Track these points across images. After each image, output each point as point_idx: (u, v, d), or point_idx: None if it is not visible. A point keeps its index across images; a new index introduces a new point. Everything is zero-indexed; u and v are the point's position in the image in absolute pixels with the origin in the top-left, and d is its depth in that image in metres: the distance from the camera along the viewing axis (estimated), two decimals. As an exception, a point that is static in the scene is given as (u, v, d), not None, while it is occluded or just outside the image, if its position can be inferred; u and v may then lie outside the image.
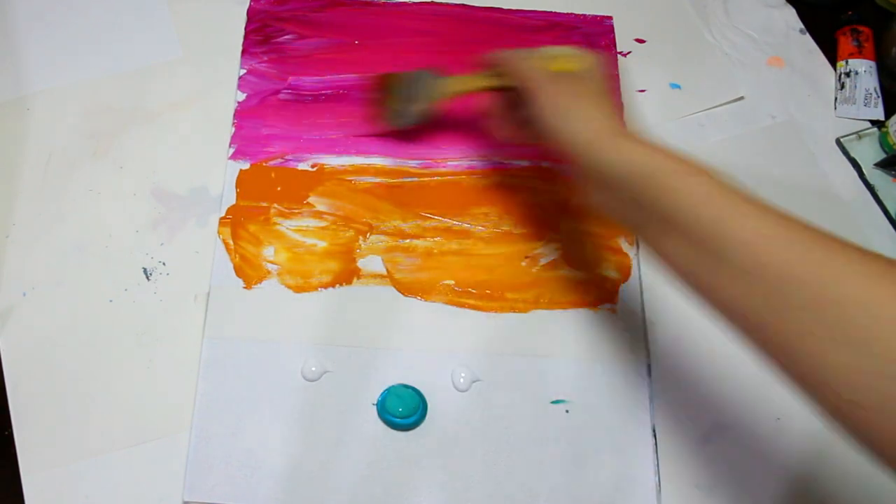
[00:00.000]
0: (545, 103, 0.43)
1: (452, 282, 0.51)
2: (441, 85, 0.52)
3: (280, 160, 0.54)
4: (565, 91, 0.43)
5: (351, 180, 0.54)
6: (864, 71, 0.62)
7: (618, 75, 0.60)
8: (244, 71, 0.58)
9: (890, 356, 0.27)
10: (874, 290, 0.28)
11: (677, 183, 0.36)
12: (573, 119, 0.41)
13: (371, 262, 0.52)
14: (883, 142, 0.59)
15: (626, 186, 0.38)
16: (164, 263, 0.51)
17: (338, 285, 0.51)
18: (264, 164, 0.54)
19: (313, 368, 0.48)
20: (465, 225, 0.53)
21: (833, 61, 0.63)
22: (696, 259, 0.35)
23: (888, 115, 0.60)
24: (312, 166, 0.55)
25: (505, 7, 0.62)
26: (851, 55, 0.62)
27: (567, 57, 0.47)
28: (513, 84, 0.46)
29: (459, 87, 0.51)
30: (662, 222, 0.36)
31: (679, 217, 0.35)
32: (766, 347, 0.33)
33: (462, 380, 0.48)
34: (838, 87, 0.62)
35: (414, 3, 0.61)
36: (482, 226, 0.53)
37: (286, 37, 0.59)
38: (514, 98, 0.47)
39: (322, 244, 0.52)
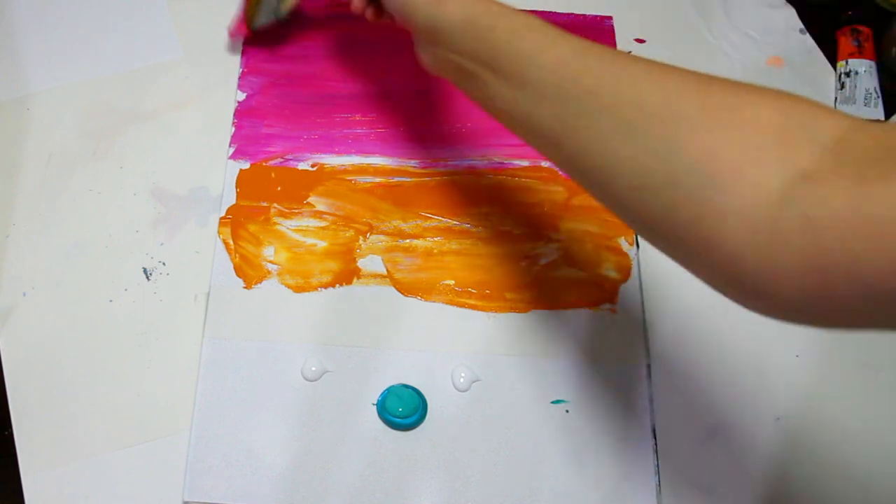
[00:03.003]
0: None
1: (452, 282, 0.51)
2: None
3: (280, 160, 0.54)
4: None
5: (351, 180, 0.54)
6: (864, 71, 0.62)
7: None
8: (244, 71, 0.58)
9: (659, 138, 0.30)
10: (648, 88, 0.32)
11: (499, 23, 0.38)
12: None
13: (371, 262, 0.52)
14: (883, 142, 0.59)
15: (455, 36, 0.39)
16: (164, 263, 0.51)
17: (338, 285, 0.51)
18: (264, 164, 0.54)
19: (313, 368, 0.48)
20: (465, 225, 0.53)
21: (833, 61, 0.63)
22: (514, 93, 0.37)
23: (888, 115, 0.60)
24: (312, 166, 0.55)
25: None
26: (851, 55, 0.62)
27: None
28: None
29: None
30: (480, 63, 0.38)
31: (495, 53, 0.38)
32: (568, 159, 0.36)
33: (462, 380, 0.48)
34: (838, 87, 0.62)
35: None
36: (482, 226, 0.53)
37: (286, 37, 0.59)
38: None
39: (322, 244, 0.52)
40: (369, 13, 0.51)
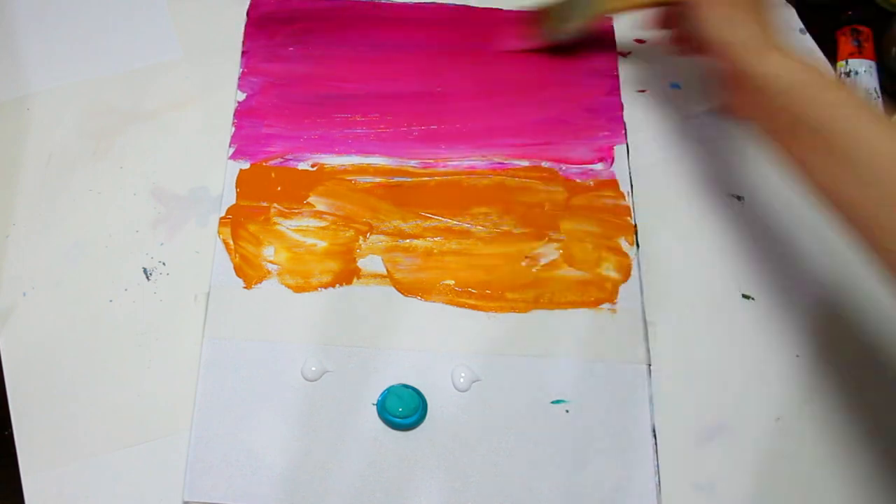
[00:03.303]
0: (706, 14, 0.46)
1: (452, 282, 0.51)
2: (601, 1, 0.56)
3: (280, 160, 0.54)
4: (723, 2, 0.46)
5: (351, 180, 0.54)
6: (864, 71, 0.61)
7: (618, 75, 0.60)
8: (244, 71, 0.58)
9: None
10: None
11: (816, 94, 0.40)
12: (728, 28, 0.45)
13: (371, 262, 0.52)
14: (883, 142, 0.59)
15: (775, 97, 0.42)
16: (164, 263, 0.51)
17: (338, 285, 0.51)
18: (264, 164, 0.54)
19: (313, 368, 0.48)
20: (465, 225, 0.53)
21: (833, 61, 0.63)
22: (826, 166, 0.39)
23: (888, 115, 0.60)
24: (312, 166, 0.55)
25: (505, 8, 0.62)
26: (851, 55, 0.62)
27: None
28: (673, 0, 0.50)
29: (621, 3, 0.55)
30: (798, 131, 0.41)
31: (813, 125, 0.40)
32: (879, 246, 0.38)
33: (462, 380, 0.48)
34: (838, 87, 0.62)
35: (415, 3, 0.61)
36: (482, 226, 0.53)
37: (286, 37, 0.59)
38: (675, 13, 0.51)
39: (322, 244, 0.52)
40: (684, 49, 0.54)
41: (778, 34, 0.45)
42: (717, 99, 0.48)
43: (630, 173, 0.56)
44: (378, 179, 0.54)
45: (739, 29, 0.45)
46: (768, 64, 0.43)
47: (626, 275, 0.52)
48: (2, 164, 0.53)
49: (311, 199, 0.53)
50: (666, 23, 0.55)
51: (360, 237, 0.52)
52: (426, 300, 0.51)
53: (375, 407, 0.47)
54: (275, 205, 0.53)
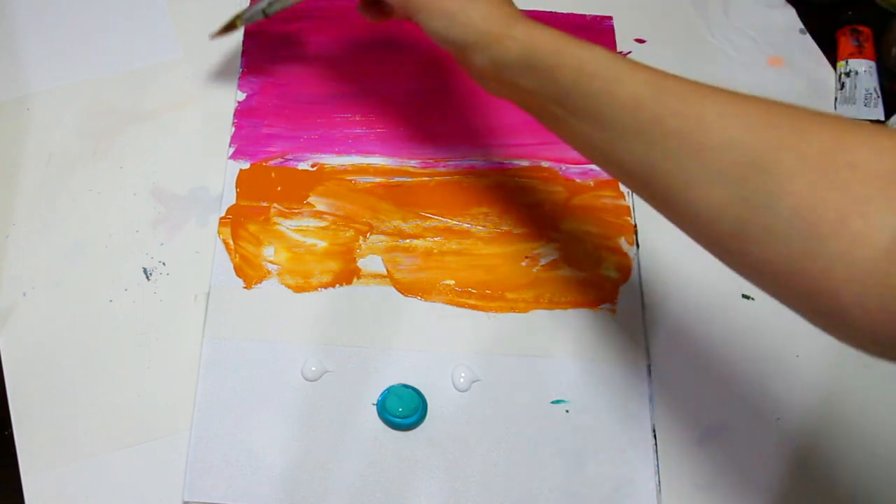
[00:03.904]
0: (427, 16, 0.42)
1: (452, 282, 0.51)
2: None
3: (280, 160, 0.54)
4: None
5: (351, 180, 0.54)
6: (864, 71, 0.62)
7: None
8: (244, 71, 0.58)
9: (754, 187, 0.30)
10: (739, 129, 0.31)
11: (563, 60, 0.37)
12: (464, 22, 0.40)
13: (371, 262, 0.52)
14: (883, 142, 0.59)
15: (523, 75, 0.38)
16: (164, 263, 0.51)
17: (338, 285, 0.51)
18: (264, 164, 0.54)
19: (313, 368, 0.48)
20: (465, 225, 0.53)
21: (833, 61, 0.63)
22: (590, 130, 0.36)
23: (888, 115, 0.60)
24: (312, 166, 0.55)
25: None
26: (851, 55, 0.62)
27: None
28: None
29: None
30: (553, 101, 0.37)
31: (566, 92, 0.36)
32: (658, 198, 0.35)
33: (462, 380, 0.48)
34: (838, 87, 0.62)
35: (414, 3, 0.61)
36: (482, 226, 0.53)
37: (286, 37, 0.59)
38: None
39: (322, 244, 0.52)
40: (371, 14, 0.49)
41: (514, 7, 0.41)
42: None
43: (630, 173, 0.56)
44: (378, 179, 0.54)
45: (472, 18, 0.40)
46: (510, 44, 0.38)
47: (626, 275, 0.52)
48: (2, 164, 0.53)
49: (311, 199, 0.53)
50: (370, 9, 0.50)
51: (360, 237, 0.52)
52: (426, 300, 0.51)
53: (375, 407, 0.47)
54: (275, 205, 0.53)
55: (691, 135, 0.32)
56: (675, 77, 0.34)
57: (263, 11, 0.53)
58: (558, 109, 0.37)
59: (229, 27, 0.55)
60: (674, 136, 0.32)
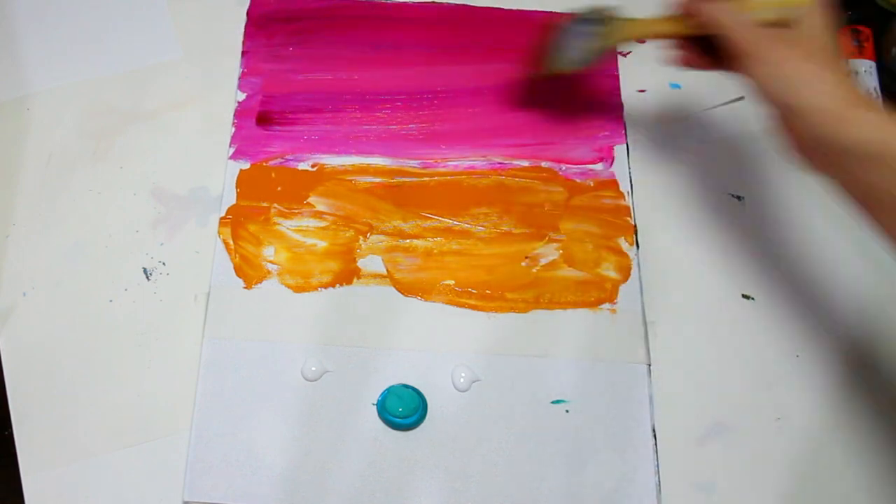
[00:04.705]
0: (767, 72, 0.39)
1: (452, 282, 0.51)
2: (624, 26, 0.49)
3: (280, 160, 0.54)
4: (788, 56, 0.39)
5: (351, 180, 0.54)
6: (864, 71, 0.61)
7: (618, 75, 0.60)
8: (244, 71, 0.58)
9: None
10: None
11: None
12: (804, 90, 0.38)
13: (371, 262, 0.52)
14: (883, 142, 0.59)
15: (864, 164, 0.36)
16: (164, 263, 0.51)
17: (338, 285, 0.51)
18: (264, 164, 0.54)
19: (313, 368, 0.48)
20: (465, 225, 0.53)
21: (833, 61, 0.63)
22: None
23: (888, 115, 0.60)
24: (312, 166, 0.55)
25: (506, 7, 0.62)
26: (851, 55, 0.62)
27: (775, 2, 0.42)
28: (711, 33, 0.43)
29: (644, 29, 0.48)
30: (889, 200, 0.36)
31: None
32: None
33: (462, 380, 0.48)
34: (838, 87, 0.62)
35: (415, 3, 0.61)
36: (482, 226, 0.53)
37: (286, 37, 0.59)
38: (708, 44, 0.44)
39: (322, 244, 0.52)
40: (703, 63, 0.46)
41: (857, 86, 0.38)
42: (785, 151, 0.41)
43: (630, 173, 0.56)
44: (378, 179, 0.54)
45: (816, 90, 0.38)
46: (851, 129, 0.36)
47: (626, 275, 0.52)
48: (2, 164, 0.53)
49: (312, 199, 0.53)
50: (698, 52, 0.46)
51: (361, 237, 0.52)
52: (426, 300, 0.51)
53: (375, 407, 0.47)
54: (275, 205, 0.53)
55: None
56: None
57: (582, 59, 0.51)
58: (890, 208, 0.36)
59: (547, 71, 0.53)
60: None
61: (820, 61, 0.39)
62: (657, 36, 0.48)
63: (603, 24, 0.50)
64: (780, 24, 0.41)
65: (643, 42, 0.61)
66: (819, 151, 0.39)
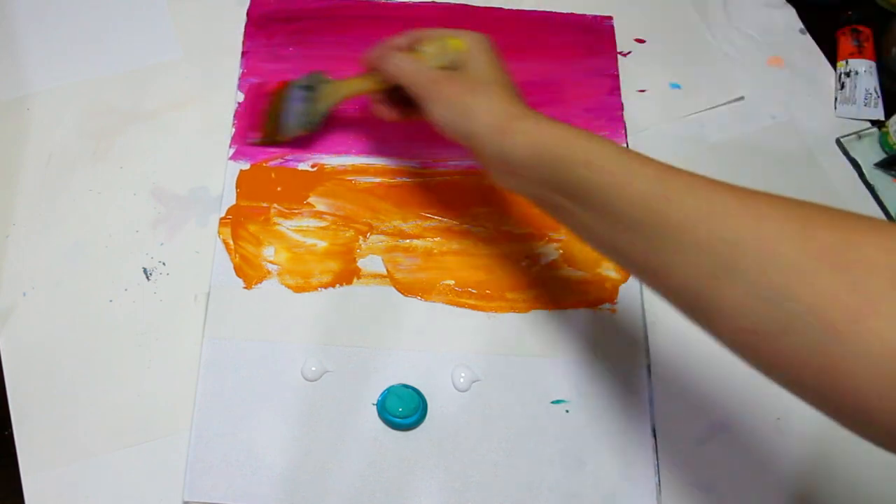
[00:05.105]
0: (441, 108, 0.43)
1: (452, 282, 0.51)
2: (331, 89, 0.52)
3: (280, 160, 0.54)
4: (455, 90, 0.43)
5: (351, 180, 0.54)
6: (864, 71, 0.62)
7: (618, 75, 0.60)
8: (244, 71, 0.58)
9: (767, 284, 0.29)
10: (749, 227, 0.31)
11: (572, 154, 0.37)
12: (472, 115, 0.41)
13: (371, 262, 0.52)
14: (883, 142, 0.59)
15: (529, 168, 0.39)
16: (164, 263, 0.51)
17: (338, 285, 0.51)
18: (264, 165, 0.54)
19: (313, 368, 0.48)
20: (465, 225, 0.53)
21: (833, 61, 0.63)
22: (598, 223, 0.36)
23: (888, 115, 0.60)
24: (312, 166, 0.55)
25: (505, 7, 0.62)
26: (851, 55, 0.62)
27: (442, 44, 0.46)
28: (396, 83, 0.47)
29: (347, 90, 0.52)
30: (560, 194, 0.38)
31: (573, 186, 0.37)
32: (668, 291, 0.35)
33: (462, 380, 0.48)
34: (838, 87, 0.62)
35: (414, 3, 0.61)
36: (482, 226, 0.53)
37: (286, 37, 0.59)
38: (403, 94, 0.47)
39: (322, 244, 0.52)
40: (394, 115, 0.50)
41: (523, 102, 0.42)
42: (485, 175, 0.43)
43: (630, 173, 0.56)
44: (378, 179, 0.54)
45: (481, 111, 0.41)
46: (518, 137, 0.39)
47: (626, 275, 0.52)
48: (2, 164, 0.53)
49: (312, 200, 0.53)
50: (395, 101, 0.50)
51: (361, 237, 0.52)
52: (426, 300, 0.51)
53: (375, 407, 0.47)
54: (275, 205, 0.53)
55: (697, 228, 0.32)
56: (682, 172, 0.34)
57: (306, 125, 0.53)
58: (565, 202, 0.38)
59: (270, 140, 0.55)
60: (680, 230, 0.32)
61: (482, 88, 0.43)
62: (361, 93, 0.51)
63: (316, 88, 0.53)
64: (452, 68, 0.45)
65: (642, 42, 0.61)
66: (496, 166, 0.41)
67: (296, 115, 0.53)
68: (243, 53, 0.58)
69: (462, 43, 0.45)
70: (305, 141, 0.55)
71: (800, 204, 0.31)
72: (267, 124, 0.54)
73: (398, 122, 0.50)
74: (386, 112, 0.50)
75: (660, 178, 0.34)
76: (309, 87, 0.53)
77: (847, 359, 0.27)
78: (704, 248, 0.31)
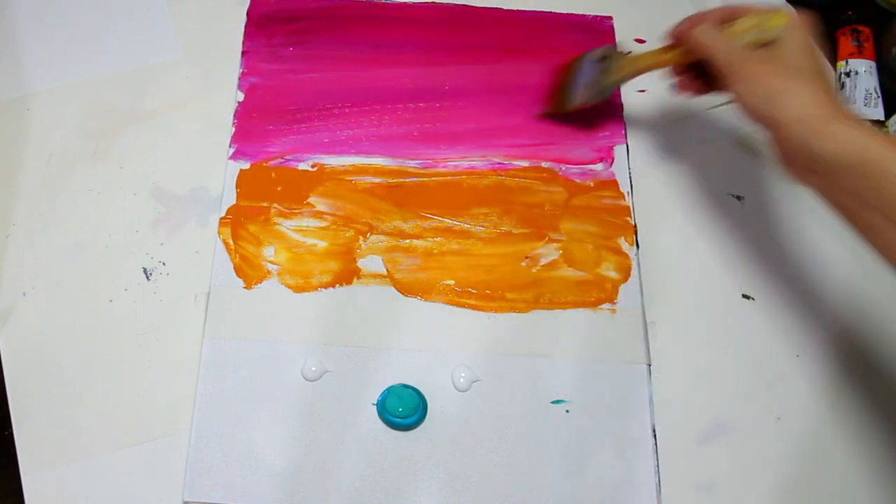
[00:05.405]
0: (748, 89, 0.41)
1: (452, 282, 0.51)
2: (626, 62, 0.53)
3: (280, 160, 0.54)
4: (767, 72, 0.41)
5: (351, 180, 0.54)
6: (864, 71, 0.61)
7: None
8: (244, 71, 0.58)
9: None
10: None
11: (892, 170, 0.35)
12: (781, 103, 0.40)
13: (371, 262, 0.52)
14: (883, 142, 0.59)
15: (842, 174, 0.37)
16: (164, 263, 0.51)
17: (338, 285, 0.51)
18: (264, 164, 0.54)
19: (313, 368, 0.48)
20: (465, 225, 0.53)
21: (833, 61, 0.63)
22: None
23: (888, 115, 0.60)
24: (312, 166, 0.55)
25: (505, 7, 0.62)
26: (851, 55, 0.62)
27: (760, 20, 0.45)
28: (699, 58, 0.46)
29: (645, 62, 0.52)
30: (880, 212, 0.36)
31: (891, 203, 0.35)
32: None
33: (462, 380, 0.48)
34: (838, 87, 0.62)
35: (415, 3, 0.61)
36: (482, 226, 0.53)
37: (286, 37, 0.59)
38: (703, 68, 0.46)
39: (322, 244, 0.52)
40: (696, 89, 0.49)
41: (838, 98, 0.39)
42: (775, 162, 0.42)
43: (630, 173, 0.56)
44: (378, 179, 0.54)
45: (793, 102, 0.39)
46: (831, 140, 0.37)
47: (626, 275, 0.52)
48: (2, 164, 0.53)
49: (312, 199, 0.53)
50: (695, 77, 0.49)
51: (361, 237, 0.52)
52: (426, 300, 0.51)
53: (375, 407, 0.47)
54: (275, 205, 0.53)
55: None
56: None
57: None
58: (877, 218, 0.36)
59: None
60: None
61: (796, 76, 0.41)
62: (657, 66, 0.51)
63: (610, 61, 0.53)
64: (761, 45, 0.43)
65: (642, 42, 0.61)
66: (799, 162, 0.40)
67: (585, 85, 0.54)
68: (243, 53, 0.58)
69: (781, 20, 0.43)
70: (593, 114, 0.56)
71: None
72: (557, 95, 0.56)
73: (698, 95, 0.49)
74: (688, 86, 0.49)
75: None
76: (602, 59, 0.53)
77: None
78: None
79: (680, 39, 0.48)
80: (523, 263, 0.52)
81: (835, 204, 0.40)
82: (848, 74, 0.62)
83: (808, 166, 0.39)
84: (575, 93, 0.55)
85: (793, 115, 0.39)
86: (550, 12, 0.62)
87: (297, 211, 0.53)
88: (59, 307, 0.49)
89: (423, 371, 0.49)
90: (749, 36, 0.44)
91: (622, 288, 0.52)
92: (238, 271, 0.51)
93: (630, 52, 0.53)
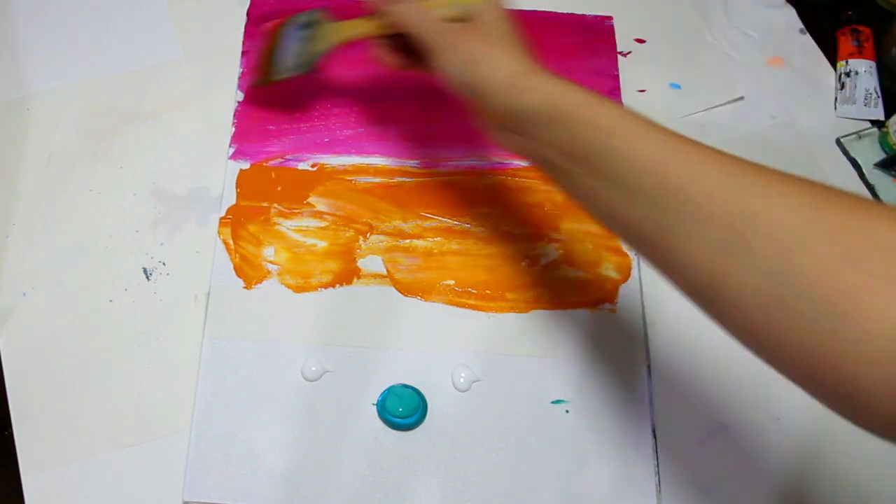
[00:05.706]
0: (449, 57, 0.41)
1: (452, 282, 0.51)
2: (329, 30, 0.51)
3: (280, 160, 0.54)
4: (468, 40, 0.41)
5: (351, 180, 0.54)
6: (864, 71, 0.62)
7: (618, 75, 0.60)
8: (244, 71, 0.58)
9: (773, 259, 0.29)
10: (758, 200, 0.30)
11: (585, 116, 0.36)
12: (484, 67, 0.40)
13: (371, 262, 0.52)
14: (883, 142, 0.59)
15: (538, 126, 0.38)
16: (164, 263, 0.51)
17: (338, 285, 0.51)
18: (264, 164, 0.54)
19: (313, 368, 0.48)
20: (465, 225, 0.53)
21: (833, 61, 0.63)
22: (600, 187, 0.36)
23: (888, 115, 0.60)
24: (312, 166, 0.55)
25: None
26: (851, 55, 0.62)
27: None
28: (401, 31, 0.45)
29: (347, 32, 0.50)
30: (568, 156, 0.37)
31: (583, 148, 0.36)
32: (664, 263, 0.34)
33: (462, 380, 0.48)
34: (838, 87, 0.62)
35: (414, 3, 0.61)
36: (482, 226, 0.53)
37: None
38: (406, 42, 0.45)
39: (322, 244, 0.52)
40: (396, 62, 0.48)
41: (531, 60, 0.40)
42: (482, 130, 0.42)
43: (630, 173, 0.56)
44: (378, 179, 0.54)
45: (495, 65, 0.39)
46: (532, 94, 0.38)
47: (626, 275, 0.52)
48: (2, 164, 0.53)
49: (312, 199, 0.53)
50: (398, 48, 0.48)
51: (361, 237, 0.52)
52: (426, 300, 0.51)
53: (375, 407, 0.47)
54: (275, 205, 0.53)
55: (711, 201, 0.31)
56: (694, 143, 0.33)
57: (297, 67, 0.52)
58: (570, 164, 0.37)
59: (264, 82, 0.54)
60: (692, 202, 0.31)
61: (497, 42, 0.41)
62: (361, 37, 0.49)
63: (314, 27, 0.51)
64: (461, 20, 0.43)
65: (642, 42, 0.61)
66: (501, 124, 0.40)
67: (290, 54, 0.52)
68: (243, 53, 0.58)
69: None
70: (298, 87, 0.54)
71: (811, 182, 0.30)
72: (263, 64, 0.54)
73: (399, 70, 0.48)
74: (388, 59, 0.48)
75: (674, 146, 0.33)
76: (307, 26, 0.51)
77: (845, 339, 0.27)
78: (715, 222, 0.31)
79: (380, 11, 0.47)
80: (523, 263, 0.52)
81: (535, 159, 0.40)
82: (848, 74, 0.62)
83: (514, 128, 0.39)
84: (281, 63, 0.52)
85: (494, 78, 0.39)
86: (550, 12, 0.62)
87: (297, 211, 0.53)
88: (59, 307, 0.49)
89: (423, 371, 0.49)
90: (450, 10, 0.44)
91: (622, 288, 0.52)
92: (238, 271, 0.51)
93: (332, 21, 0.51)
